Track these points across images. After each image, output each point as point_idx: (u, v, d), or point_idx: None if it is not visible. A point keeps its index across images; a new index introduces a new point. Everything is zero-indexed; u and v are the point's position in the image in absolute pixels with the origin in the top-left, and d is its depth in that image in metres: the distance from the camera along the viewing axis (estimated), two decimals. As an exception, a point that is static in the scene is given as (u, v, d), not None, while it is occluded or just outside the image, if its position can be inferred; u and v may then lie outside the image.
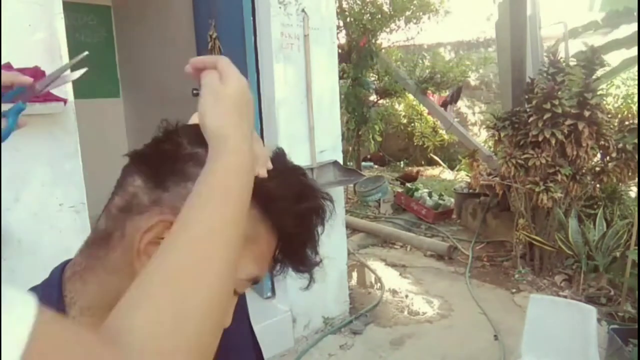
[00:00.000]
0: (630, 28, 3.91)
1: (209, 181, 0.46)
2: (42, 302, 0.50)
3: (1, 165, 1.77)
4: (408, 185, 6.45)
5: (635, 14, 3.83)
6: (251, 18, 2.74)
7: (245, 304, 0.72)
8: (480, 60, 7.35)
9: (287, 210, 0.52)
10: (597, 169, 3.78)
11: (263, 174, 0.52)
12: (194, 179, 0.47)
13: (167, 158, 0.51)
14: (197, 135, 0.51)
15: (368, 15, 6.07)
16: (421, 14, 6.33)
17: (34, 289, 0.53)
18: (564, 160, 3.69)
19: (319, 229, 0.56)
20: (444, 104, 7.62)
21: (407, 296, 3.71)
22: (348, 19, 6.09)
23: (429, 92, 6.78)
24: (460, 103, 8.48)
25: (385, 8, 6.17)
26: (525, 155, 3.68)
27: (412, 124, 8.89)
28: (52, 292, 0.51)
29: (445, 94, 7.66)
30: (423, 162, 8.87)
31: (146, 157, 0.53)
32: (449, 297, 3.66)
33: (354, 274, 4.21)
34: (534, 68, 4.46)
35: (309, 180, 0.57)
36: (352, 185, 5.96)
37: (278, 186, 0.53)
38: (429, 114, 8.28)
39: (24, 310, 0.31)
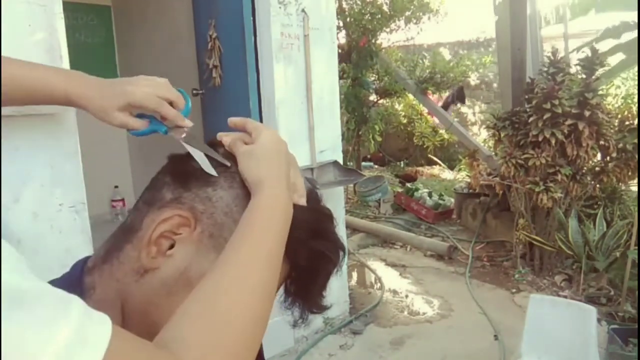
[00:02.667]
0: (632, 34, 3.91)
1: (248, 217, 0.51)
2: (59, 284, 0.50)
3: (1, 165, 1.77)
4: (408, 185, 6.45)
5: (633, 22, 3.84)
6: (251, 18, 2.74)
7: None
8: (480, 60, 7.34)
9: (302, 241, 0.54)
10: (597, 169, 3.78)
11: (302, 202, 0.57)
12: (214, 186, 0.53)
13: (196, 165, 0.55)
14: (227, 154, 0.57)
15: (368, 15, 6.06)
16: (421, 14, 6.32)
17: (52, 283, 0.53)
18: (564, 160, 3.69)
19: (328, 273, 0.57)
20: (446, 105, 7.64)
21: (407, 296, 3.71)
22: (348, 19, 6.09)
23: (429, 92, 6.78)
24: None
25: (385, 8, 6.17)
26: (525, 155, 3.68)
27: (412, 124, 8.88)
28: (72, 287, 0.51)
29: (446, 94, 7.66)
30: (423, 162, 8.86)
31: (180, 159, 0.57)
32: (449, 297, 3.66)
33: (354, 274, 4.21)
34: (534, 68, 4.47)
35: (332, 225, 0.58)
36: (352, 185, 5.96)
37: (300, 216, 0.54)
38: (429, 113, 8.28)
39: (101, 328, 0.36)
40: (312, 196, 0.60)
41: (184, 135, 0.62)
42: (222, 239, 0.51)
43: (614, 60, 4.09)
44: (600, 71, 3.67)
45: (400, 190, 6.33)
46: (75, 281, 0.51)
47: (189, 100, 0.69)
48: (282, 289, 0.57)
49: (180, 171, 0.54)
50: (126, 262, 0.51)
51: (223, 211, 0.52)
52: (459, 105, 8.48)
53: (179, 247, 0.50)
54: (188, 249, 0.50)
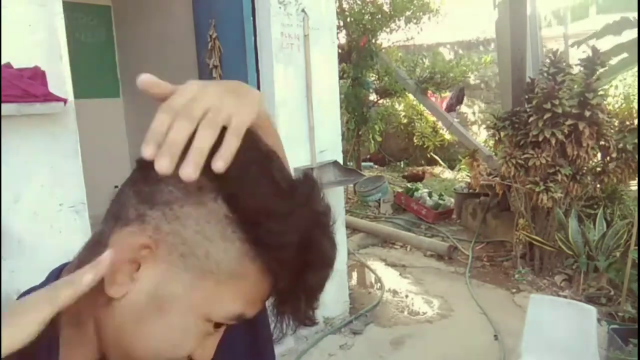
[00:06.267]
0: (632, 33, 3.91)
1: None
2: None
3: (1, 165, 1.77)
4: (408, 185, 6.45)
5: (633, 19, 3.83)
6: (251, 18, 2.74)
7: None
8: (480, 60, 7.34)
9: (285, 260, 0.45)
10: (598, 169, 3.78)
11: (186, 176, 0.43)
12: (181, 202, 0.44)
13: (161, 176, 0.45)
14: None
15: (368, 15, 6.06)
16: (421, 14, 6.32)
17: (32, 290, 0.52)
18: (564, 160, 3.69)
19: (319, 288, 0.49)
20: (449, 109, 7.64)
21: (407, 296, 3.71)
22: (348, 19, 6.09)
23: (429, 92, 6.78)
24: (460, 103, 8.50)
25: (385, 8, 6.17)
26: (526, 155, 3.68)
27: (412, 124, 8.88)
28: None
29: (446, 94, 7.66)
30: (423, 162, 8.86)
31: (145, 166, 0.46)
32: (449, 297, 3.66)
33: (354, 274, 4.21)
34: (534, 68, 4.47)
35: (325, 233, 0.49)
36: (352, 185, 5.96)
37: (282, 230, 0.44)
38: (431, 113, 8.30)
39: None
40: (303, 190, 0.47)
41: None
42: (194, 258, 0.45)
43: (614, 60, 4.09)
44: (601, 70, 3.67)
45: (400, 190, 6.34)
46: None
47: None
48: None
49: (143, 184, 0.47)
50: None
51: (193, 229, 0.45)
52: (458, 107, 8.50)
53: (146, 270, 0.46)
54: (157, 271, 0.46)
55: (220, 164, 0.42)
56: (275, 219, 0.44)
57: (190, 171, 0.41)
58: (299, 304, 0.48)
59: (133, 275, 0.46)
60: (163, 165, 0.41)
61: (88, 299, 0.47)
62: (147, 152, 0.42)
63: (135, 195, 0.47)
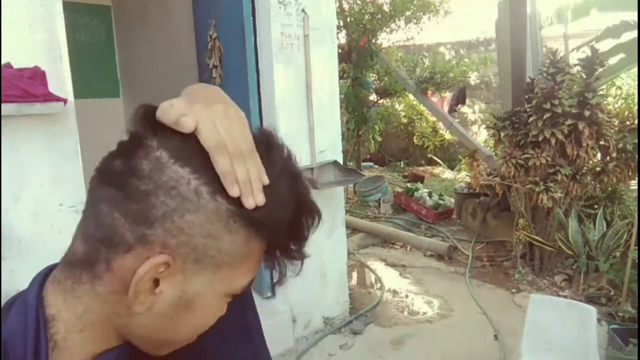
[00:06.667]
0: (632, 33, 3.91)
1: None
2: (17, 312, 0.48)
3: (1, 165, 1.77)
4: (408, 185, 6.45)
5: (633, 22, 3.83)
6: (251, 18, 2.74)
7: (250, 295, 0.70)
8: (480, 60, 7.34)
9: (282, 229, 0.50)
10: (598, 169, 3.78)
11: (260, 201, 0.48)
12: (181, 213, 0.45)
13: (144, 185, 0.45)
14: (179, 148, 0.46)
15: (368, 15, 6.06)
16: (421, 14, 6.32)
17: (17, 297, 0.52)
18: (564, 160, 3.69)
19: (309, 228, 0.53)
20: (451, 110, 7.64)
21: (407, 296, 3.71)
22: (348, 19, 6.09)
23: (429, 92, 6.78)
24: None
25: (385, 8, 6.17)
26: (525, 155, 3.68)
27: (412, 124, 8.89)
28: (29, 305, 0.49)
29: (446, 94, 7.65)
30: (423, 162, 8.87)
31: (119, 180, 0.46)
32: (449, 297, 3.66)
33: (354, 274, 4.21)
34: (534, 68, 4.47)
35: (304, 186, 0.52)
36: (352, 185, 5.96)
37: (273, 211, 0.49)
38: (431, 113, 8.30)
39: None
40: (274, 154, 0.52)
41: None
42: (208, 257, 0.47)
43: (614, 60, 4.09)
44: (600, 70, 3.67)
45: (400, 190, 6.34)
46: (31, 303, 0.48)
47: None
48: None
49: (129, 204, 0.45)
50: (107, 301, 0.48)
51: (200, 234, 0.46)
52: (459, 106, 8.50)
53: (165, 283, 0.47)
54: (176, 281, 0.47)
55: (260, 196, 0.49)
56: (264, 207, 0.48)
57: (260, 198, 0.48)
58: (291, 248, 0.53)
59: (154, 291, 0.47)
60: (252, 203, 0.48)
61: (100, 311, 0.49)
62: (235, 192, 0.47)
63: (124, 217, 0.45)
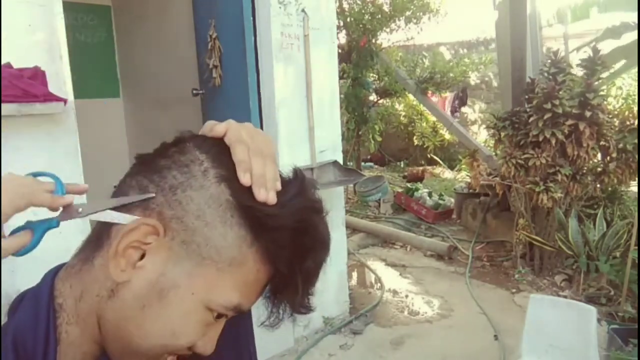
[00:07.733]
0: (632, 35, 3.91)
1: None
2: (29, 305, 0.49)
3: (1, 165, 1.77)
4: (408, 185, 6.45)
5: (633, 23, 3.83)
6: (251, 18, 2.73)
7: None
8: (480, 60, 7.34)
9: (283, 243, 0.48)
10: (598, 169, 3.78)
11: (271, 200, 0.48)
12: (183, 187, 0.48)
13: (165, 164, 0.50)
14: (205, 140, 0.52)
15: (368, 15, 6.06)
16: (421, 14, 6.32)
17: (28, 291, 0.52)
18: (564, 160, 3.69)
19: (316, 272, 0.51)
20: (453, 110, 7.63)
21: (407, 296, 3.71)
22: (348, 19, 6.09)
23: (429, 92, 6.78)
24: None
25: (385, 8, 6.17)
26: (526, 155, 3.67)
27: (412, 124, 8.88)
28: (41, 296, 0.50)
29: (446, 94, 7.65)
30: (423, 162, 8.86)
31: (147, 160, 0.52)
32: (449, 297, 3.66)
33: (354, 274, 4.21)
34: (534, 68, 4.47)
35: (318, 218, 0.51)
36: (352, 185, 5.96)
37: (279, 213, 0.48)
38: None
39: None
40: (295, 184, 0.51)
41: (80, 210, 0.51)
42: (195, 244, 0.47)
43: (615, 65, 4.09)
44: (604, 74, 3.67)
45: (400, 190, 6.34)
46: (44, 294, 0.50)
47: (57, 179, 0.55)
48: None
49: (146, 175, 0.50)
50: (98, 276, 0.49)
51: (194, 214, 0.47)
52: (461, 107, 8.51)
53: (150, 257, 0.47)
54: (159, 258, 0.47)
55: (272, 194, 0.49)
56: (272, 206, 0.48)
57: (272, 195, 0.49)
58: (296, 289, 0.50)
59: (136, 264, 0.47)
60: (264, 195, 0.48)
61: (90, 293, 0.49)
62: (247, 180, 0.48)
63: (137, 185, 0.50)
